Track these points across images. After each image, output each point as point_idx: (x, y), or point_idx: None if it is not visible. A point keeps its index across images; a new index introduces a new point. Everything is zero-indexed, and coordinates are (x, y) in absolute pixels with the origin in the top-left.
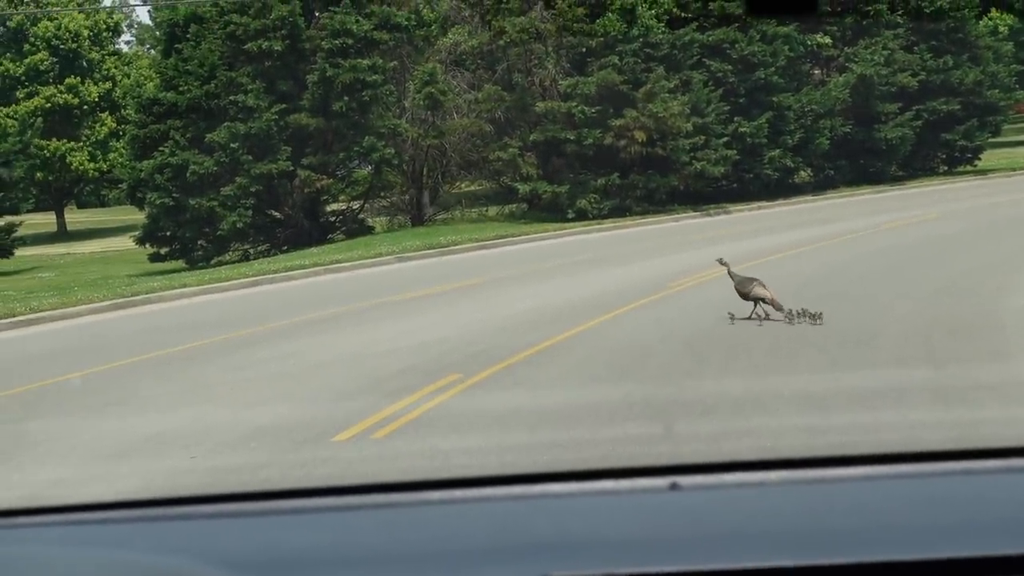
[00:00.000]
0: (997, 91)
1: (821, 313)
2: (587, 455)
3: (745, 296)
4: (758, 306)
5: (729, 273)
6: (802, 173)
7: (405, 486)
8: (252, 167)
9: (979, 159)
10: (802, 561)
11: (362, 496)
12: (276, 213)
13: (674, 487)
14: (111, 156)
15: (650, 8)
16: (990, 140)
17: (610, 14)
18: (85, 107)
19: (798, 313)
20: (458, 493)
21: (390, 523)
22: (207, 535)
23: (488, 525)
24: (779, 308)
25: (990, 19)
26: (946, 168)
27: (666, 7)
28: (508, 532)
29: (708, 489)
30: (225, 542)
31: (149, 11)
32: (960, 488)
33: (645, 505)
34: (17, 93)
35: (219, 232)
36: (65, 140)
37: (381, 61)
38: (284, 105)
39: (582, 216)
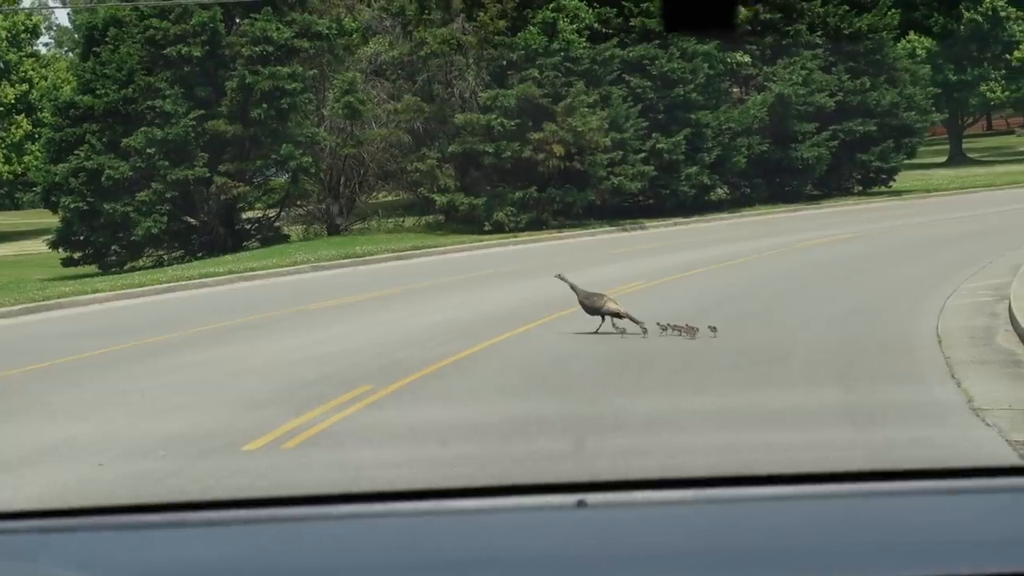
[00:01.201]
0: (913, 113)
1: (697, 328)
2: (496, 470)
3: (595, 311)
4: (606, 320)
5: (571, 288)
6: (719, 190)
7: (314, 499)
8: (168, 173)
9: (894, 180)
10: None
11: (270, 509)
12: (191, 219)
13: (582, 504)
14: (26, 159)
15: (571, 23)
16: (905, 162)
17: (531, 28)
18: (1, 109)
19: (672, 327)
20: (367, 507)
21: (298, 537)
22: (113, 547)
23: (396, 540)
24: (635, 321)
25: (908, 42)
26: (861, 189)
27: (587, 22)
28: (416, 548)
29: (616, 507)
30: (131, 554)
31: (68, 13)
32: (871, 509)
33: (553, 522)
34: None
35: (133, 237)
36: None
37: (301, 69)
38: (202, 111)
39: (499, 229)
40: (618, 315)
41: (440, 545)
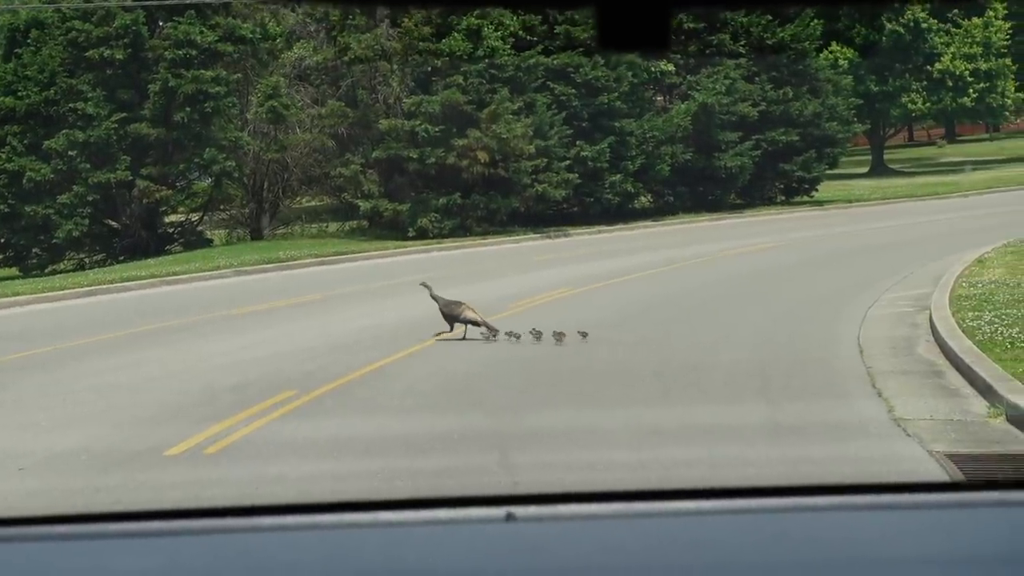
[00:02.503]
0: (836, 123)
1: (564, 334)
2: (421, 483)
3: (453, 319)
4: (466, 328)
5: (432, 296)
6: (642, 198)
7: (233, 511)
8: (90, 175)
9: (816, 190)
10: None
11: (189, 520)
12: (113, 223)
13: (510, 517)
14: None
15: (496, 30)
16: (827, 172)
17: (456, 34)
18: None
19: (536, 334)
20: (289, 519)
21: (217, 548)
22: (29, 559)
23: (319, 553)
24: (492, 329)
25: (831, 52)
26: (784, 198)
27: (512, 30)
28: (339, 560)
29: (544, 520)
30: (48, 566)
31: None
32: (793, 524)
33: (480, 535)
34: None
35: (54, 240)
36: None
37: (224, 73)
38: (125, 114)
39: (423, 235)
40: (475, 323)
41: (364, 558)
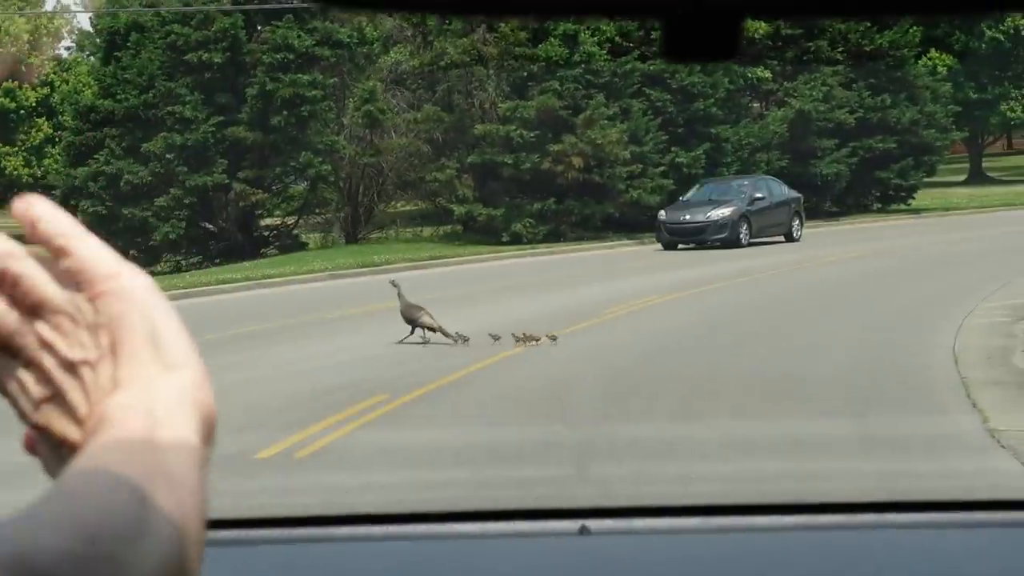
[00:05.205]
0: (933, 131)
1: (499, 336)
2: (497, 494)
3: (411, 322)
4: (425, 332)
5: (398, 295)
6: None
7: (312, 520)
8: (187, 178)
9: (913, 198)
10: None
11: (263, 530)
12: (210, 226)
13: (584, 531)
14: (46, 162)
15: (592, 35)
16: (925, 180)
17: (552, 39)
18: (22, 112)
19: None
20: (364, 530)
21: (291, 559)
22: None
23: (393, 564)
24: (447, 335)
25: (929, 59)
26: (880, 206)
27: (608, 35)
28: (413, 572)
29: (619, 534)
30: None
31: (90, 18)
32: (879, 541)
33: (554, 548)
34: None
35: (151, 243)
36: (0, 144)
37: (321, 77)
38: (222, 117)
39: (516, 240)
40: (432, 328)
41: (438, 570)
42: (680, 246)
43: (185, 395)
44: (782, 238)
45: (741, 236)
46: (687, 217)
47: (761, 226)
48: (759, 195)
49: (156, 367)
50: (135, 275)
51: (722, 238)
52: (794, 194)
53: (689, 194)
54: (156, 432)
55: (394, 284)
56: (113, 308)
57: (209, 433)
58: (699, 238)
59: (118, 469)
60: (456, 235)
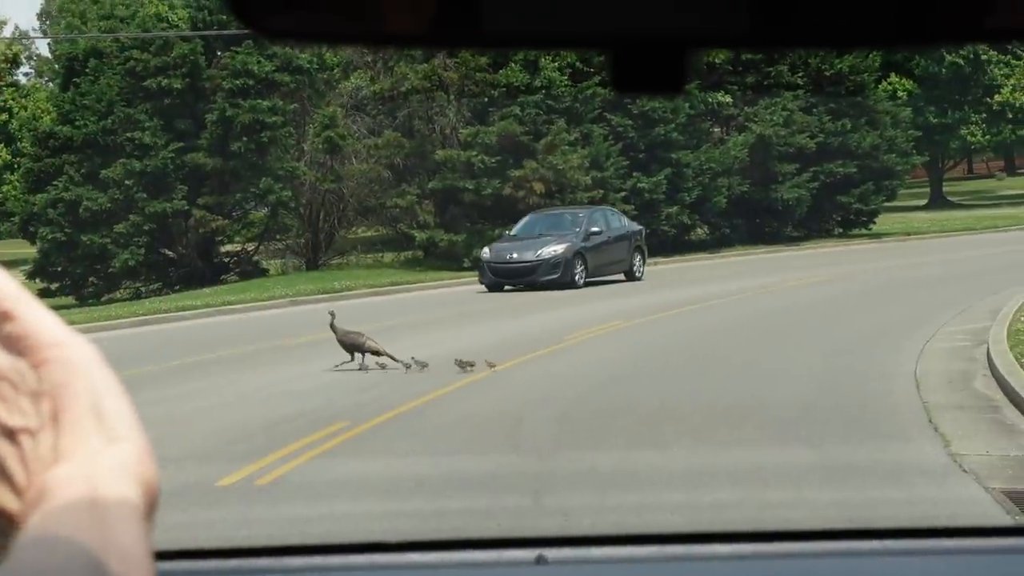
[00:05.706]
0: (894, 155)
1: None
2: (455, 524)
3: (354, 348)
4: (364, 358)
5: (331, 325)
6: (699, 230)
7: (267, 551)
8: (146, 205)
9: (874, 222)
10: None
11: (221, 561)
12: (169, 252)
13: (541, 560)
14: (4, 189)
15: (553, 60)
16: (885, 204)
17: (513, 65)
18: None
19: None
20: (321, 560)
21: None
22: None
23: None
24: (394, 359)
25: (889, 84)
26: (841, 231)
27: (569, 60)
28: None
29: (576, 563)
30: None
31: (49, 44)
32: (841, 569)
33: None
34: None
35: (111, 269)
36: None
37: (281, 103)
38: (181, 144)
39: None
40: (377, 352)
41: None
42: (507, 287)
43: (128, 468)
44: (622, 276)
45: (576, 276)
46: (514, 256)
47: (598, 264)
48: (595, 229)
49: (99, 438)
50: (81, 344)
51: (554, 279)
52: (635, 226)
53: (516, 228)
54: (100, 504)
55: (331, 314)
56: (57, 376)
57: (151, 507)
58: (528, 279)
59: (70, 541)
60: (417, 261)
